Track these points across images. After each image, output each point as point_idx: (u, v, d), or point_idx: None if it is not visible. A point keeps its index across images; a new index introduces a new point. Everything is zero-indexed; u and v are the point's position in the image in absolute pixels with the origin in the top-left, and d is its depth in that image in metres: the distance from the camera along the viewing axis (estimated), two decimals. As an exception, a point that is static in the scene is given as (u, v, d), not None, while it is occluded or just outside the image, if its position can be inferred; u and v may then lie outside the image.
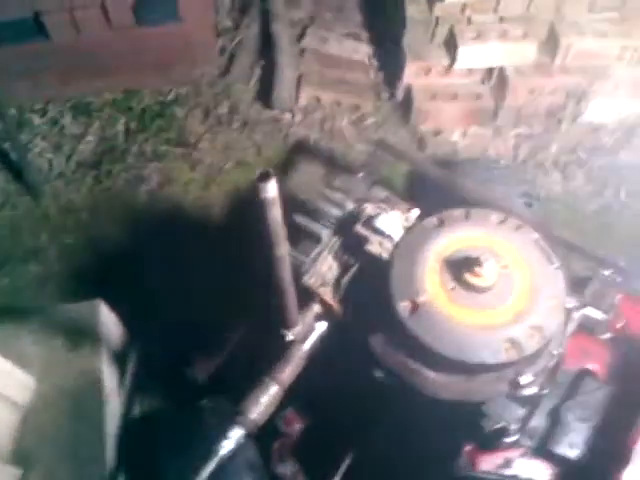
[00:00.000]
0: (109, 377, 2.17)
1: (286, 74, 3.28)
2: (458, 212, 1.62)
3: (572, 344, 1.89)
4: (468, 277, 1.46)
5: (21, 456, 1.98)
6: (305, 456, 2.03)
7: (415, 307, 1.46)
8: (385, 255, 1.58)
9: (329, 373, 1.82)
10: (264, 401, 1.59)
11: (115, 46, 3.22)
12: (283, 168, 3.11)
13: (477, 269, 1.44)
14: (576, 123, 3.09)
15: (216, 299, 2.61)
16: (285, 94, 3.25)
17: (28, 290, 2.88)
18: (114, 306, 2.43)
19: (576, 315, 1.56)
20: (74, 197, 3.13)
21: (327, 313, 1.67)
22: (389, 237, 1.60)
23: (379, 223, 1.60)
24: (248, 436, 1.91)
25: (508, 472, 1.71)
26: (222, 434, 1.56)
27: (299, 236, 1.71)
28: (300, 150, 3.18)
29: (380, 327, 1.54)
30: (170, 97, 3.38)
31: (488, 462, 1.75)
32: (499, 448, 1.74)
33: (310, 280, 1.65)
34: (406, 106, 3.15)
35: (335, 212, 1.72)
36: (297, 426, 1.93)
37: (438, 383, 1.49)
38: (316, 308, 1.66)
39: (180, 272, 2.78)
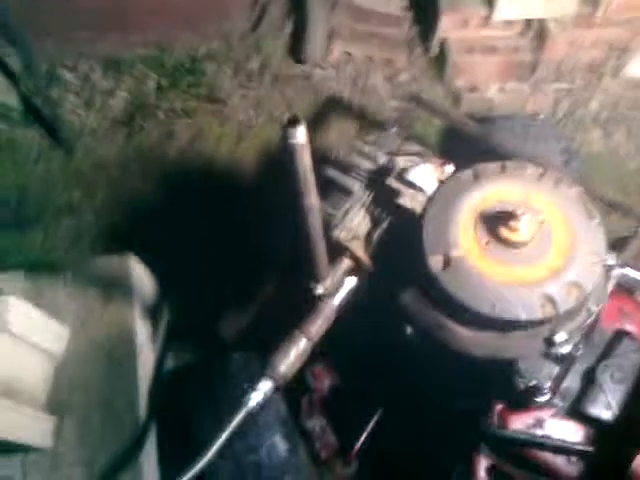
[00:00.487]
0: (141, 329, 2.20)
1: (318, 28, 3.20)
2: (494, 165, 1.57)
3: (610, 304, 1.85)
4: (503, 231, 1.41)
5: (56, 405, 2.03)
6: (334, 413, 2.04)
7: (448, 262, 1.43)
8: (418, 209, 1.55)
9: (359, 329, 1.81)
10: (293, 354, 1.58)
11: (146, 0, 3.18)
12: (314, 124, 3.06)
13: (513, 223, 1.39)
14: (618, 78, 2.97)
15: (247, 254, 2.61)
16: (316, 49, 3.18)
17: (62, 244, 2.92)
18: (146, 260, 2.46)
19: (615, 273, 1.51)
20: (105, 153, 3.14)
21: (357, 268, 1.65)
22: (422, 190, 1.56)
23: (411, 176, 1.56)
24: (277, 390, 1.93)
25: (539, 432, 1.70)
26: (251, 386, 1.56)
27: (330, 189, 1.68)
28: (332, 106, 3.12)
29: (411, 282, 1.52)
30: (201, 52, 3.34)
31: (519, 421, 1.73)
32: (531, 408, 1.73)
33: (340, 234, 1.63)
34: (441, 61, 3.06)
35: (367, 165, 1.68)
36: (326, 381, 1.94)
37: (470, 340, 1.46)
38: (346, 262, 1.64)
39: (211, 227, 2.79)
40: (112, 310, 2.18)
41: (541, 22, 2.86)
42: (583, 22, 2.83)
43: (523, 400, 1.63)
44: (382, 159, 1.68)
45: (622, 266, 1.93)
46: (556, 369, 1.45)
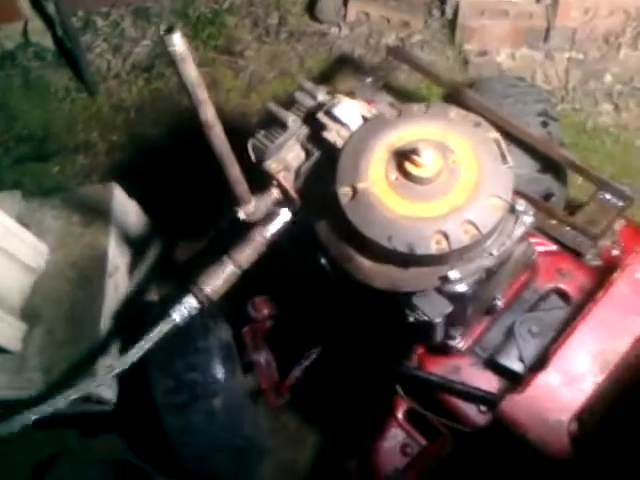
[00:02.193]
0: (116, 254, 2.34)
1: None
2: (418, 106, 1.58)
3: (548, 262, 1.84)
4: (408, 166, 1.43)
5: (28, 314, 2.21)
6: (276, 344, 2.12)
7: (355, 193, 1.47)
8: (340, 143, 1.58)
9: (292, 262, 1.87)
10: (219, 277, 1.65)
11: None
12: (324, 80, 3.10)
13: (416, 158, 1.41)
14: (637, 50, 2.85)
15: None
16: (333, 7, 3.21)
17: (75, 179, 3.11)
18: (150, 199, 2.60)
19: (527, 220, 1.49)
20: (126, 97, 3.30)
21: (286, 200, 1.70)
22: (346, 126, 1.59)
23: (337, 111, 1.60)
24: (221, 317, 2.02)
25: (454, 378, 1.72)
26: (175, 300, 1.66)
27: (268, 122, 1.74)
28: (343, 64, 3.15)
29: (326, 214, 1.56)
30: (225, 6, 3.43)
31: (437, 366, 1.76)
32: (450, 355, 1.75)
33: (271, 165, 1.69)
34: (454, 24, 3.03)
35: (307, 101, 1.72)
36: (266, 312, 2.01)
37: (371, 271, 1.49)
38: (275, 193, 1.70)
39: (215, 174, 2.89)
40: (90, 233, 2.33)
41: (557, -13, 2.78)
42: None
43: (434, 342, 1.66)
44: (321, 96, 1.72)
45: (571, 224, 1.91)
46: (449, 308, 1.46)
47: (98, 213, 2.37)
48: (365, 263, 1.51)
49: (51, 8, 3.35)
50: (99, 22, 3.51)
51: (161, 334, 1.63)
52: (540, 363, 1.60)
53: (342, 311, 1.83)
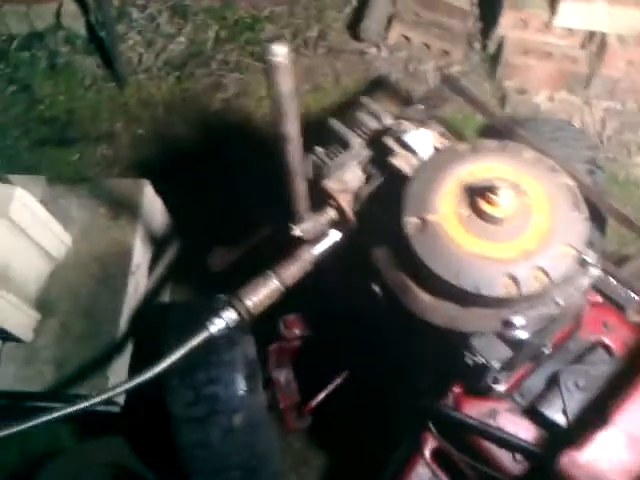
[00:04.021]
0: (140, 252, 2.27)
1: (380, 8, 3.22)
2: (493, 143, 1.55)
3: (594, 315, 1.80)
4: (483, 204, 1.40)
5: (44, 303, 2.13)
6: (301, 365, 2.06)
7: (423, 225, 1.43)
8: (409, 171, 1.55)
9: (337, 286, 1.82)
10: (261, 292, 1.60)
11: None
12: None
13: (492, 197, 1.38)
14: (674, 107, 2.87)
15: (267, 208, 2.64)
16: (375, 28, 3.19)
17: (94, 168, 3.04)
18: (168, 196, 2.54)
19: (595, 272, 1.47)
20: (155, 92, 3.24)
21: (341, 221, 1.66)
22: (416, 153, 1.56)
23: (408, 138, 1.56)
24: (242, 322, 1.95)
25: (491, 422, 1.68)
26: (215, 312, 1.60)
27: (330, 139, 1.70)
28: (379, 86, 3.13)
29: (386, 241, 1.52)
30: (264, 13, 3.40)
31: (473, 408, 1.71)
32: (488, 397, 1.71)
33: (330, 184, 1.64)
34: (496, 60, 3.03)
35: (371, 123, 1.69)
36: (297, 331, 1.95)
37: (430, 306, 1.45)
38: (331, 213, 1.65)
39: (238, 180, 2.84)
40: (116, 228, 2.26)
41: (603, 36, 2.79)
42: (647, 43, 2.74)
43: (475, 382, 1.61)
44: (387, 120, 1.68)
45: (617, 279, 1.89)
46: (509, 353, 1.42)
47: (126, 208, 2.30)
48: (424, 297, 1.47)
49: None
50: (135, 14, 3.45)
51: (195, 346, 1.57)
52: (585, 418, 1.57)
53: (383, 339, 1.78)
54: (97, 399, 1.42)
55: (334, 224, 1.67)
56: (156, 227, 2.42)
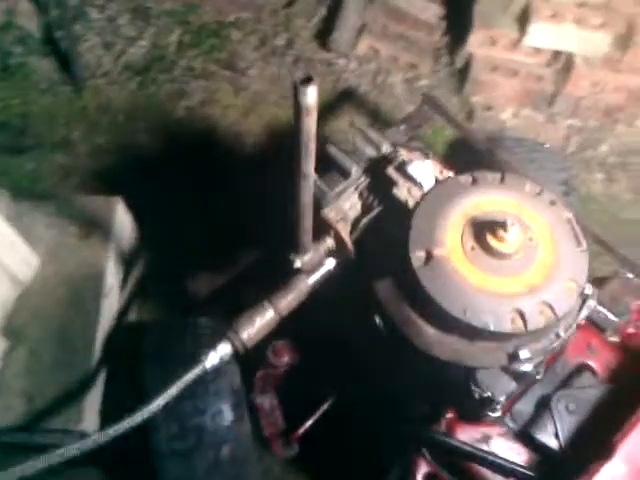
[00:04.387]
0: (113, 273, 2.18)
1: (350, 19, 3.19)
2: (494, 175, 1.56)
3: (579, 337, 1.84)
4: (490, 240, 1.40)
5: (11, 330, 2.00)
6: (286, 392, 2.02)
7: (429, 258, 1.42)
8: (410, 202, 1.53)
9: (328, 313, 1.80)
10: (257, 324, 1.56)
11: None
12: (326, 111, 3.05)
13: (501, 233, 1.38)
14: (632, 127, 2.98)
15: (234, 222, 2.58)
16: (344, 39, 3.17)
17: (51, 178, 2.89)
18: (132, 208, 2.43)
19: (590, 305, 1.50)
20: (115, 98, 3.11)
21: (339, 250, 1.63)
22: (419, 185, 1.55)
23: (411, 169, 1.55)
24: (235, 360, 1.90)
25: (484, 447, 1.69)
26: (210, 346, 1.54)
27: (328, 168, 1.66)
28: (347, 97, 3.12)
29: (389, 273, 1.50)
30: (230, 19, 3.32)
31: (466, 433, 1.72)
32: (481, 422, 1.72)
33: (330, 213, 1.61)
34: (463, 75, 3.06)
35: (370, 151, 1.67)
36: (285, 359, 1.91)
37: (435, 340, 1.44)
38: (329, 243, 1.62)
39: (201, 190, 2.77)
40: (87, 248, 2.15)
41: (569, 56, 2.86)
42: (611, 65, 2.83)
43: (475, 412, 1.62)
44: (386, 148, 1.67)
45: (597, 301, 1.94)
46: (512, 385, 1.43)
47: (97, 227, 2.20)
48: (428, 330, 1.46)
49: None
50: (93, 14, 3.31)
51: (188, 381, 1.51)
52: (577, 442, 1.61)
53: (376, 367, 1.76)
54: (80, 446, 1.31)
55: (332, 253, 1.64)
56: (127, 245, 2.32)
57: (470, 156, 2.25)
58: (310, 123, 1.14)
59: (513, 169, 1.97)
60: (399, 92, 3.14)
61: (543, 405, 1.71)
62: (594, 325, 1.94)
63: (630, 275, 2.00)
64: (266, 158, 2.88)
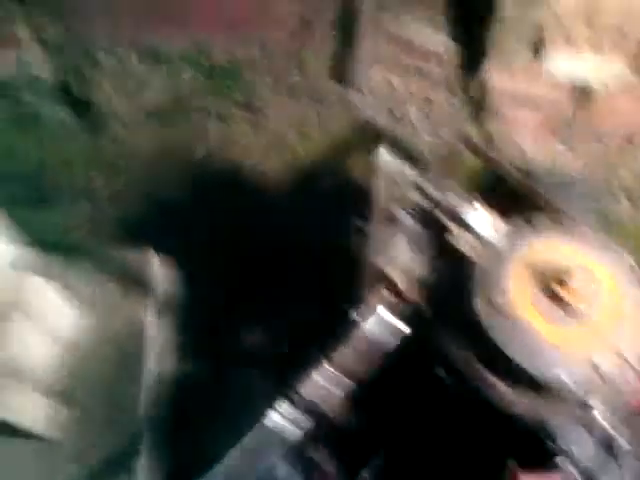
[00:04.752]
0: (154, 328, 2.15)
1: (363, 53, 3.21)
2: (551, 219, 1.56)
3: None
4: (557, 288, 1.40)
5: (58, 391, 1.97)
6: (339, 442, 1.99)
7: (495, 309, 1.41)
8: (468, 250, 1.53)
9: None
10: (319, 382, 1.55)
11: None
12: (345, 145, 3.06)
13: (568, 282, 1.38)
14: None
15: (263, 266, 2.57)
16: (358, 73, 3.18)
17: (78, 229, 2.85)
18: (163, 256, 2.41)
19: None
20: (131, 142, 3.10)
21: (395, 300, 1.62)
22: (476, 233, 1.54)
23: (470, 219, 1.55)
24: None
25: (551, 496, 1.67)
26: (272, 406, 1.53)
27: (377, 215, 1.67)
28: (365, 131, 3.12)
29: (452, 323, 1.50)
30: (243, 57, 3.31)
31: (531, 481, 1.70)
32: (545, 469, 1.70)
33: (382, 262, 1.61)
34: (479, 104, 3.07)
35: (421, 200, 1.67)
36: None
37: (507, 394, 1.44)
38: (384, 293, 1.62)
39: (228, 233, 2.75)
40: (127, 304, 2.13)
41: (587, 84, 2.88)
42: (629, 92, 2.85)
43: (541, 462, 1.61)
44: (437, 196, 1.67)
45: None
46: (587, 437, 1.43)
47: (136, 282, 2.18)
48: (499, 384, 1.45)
49: (53, 37, 3.13)
50: (105, 59, 3.28)
51: (254, 443, 1.50)
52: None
53: (439, 423, 1.74)
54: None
55: (387, 303, 1.63)
56: (165, 298, 2.30)
57: (506, 194, 2.25)
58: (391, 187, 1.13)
59: (560, 210, 1.97)
60: (417, 124, 3.15)
61: (611, 454, 1.70)
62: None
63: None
64: (293, 199, 2.87)
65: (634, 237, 2.89)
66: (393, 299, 1.63)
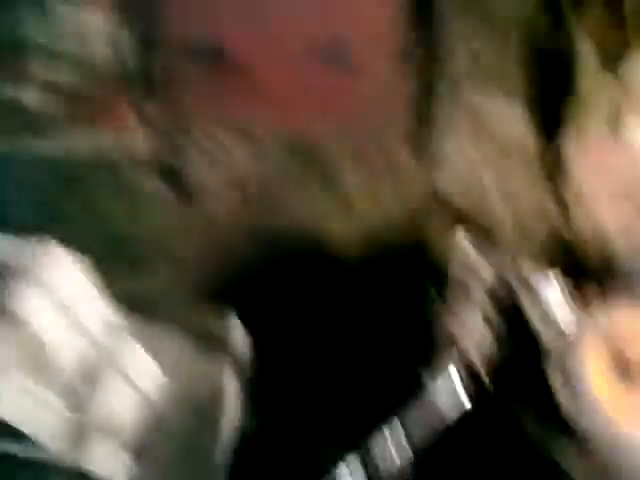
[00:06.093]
0: (231, 389, 2.24)
1: (439, 126, 3.30)
2: (624, 296, 1.55)
3: None
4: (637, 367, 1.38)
5: (141, 449, 2.06)
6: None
7: (576, 393, 1.40)
8: (542, 328, 1.54)
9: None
10: (389, 449, 1.57)
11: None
12: (423, 222, 3.12)
13: (647, 361, 1.36)
14: None
15: (340, 331, 2.62)
16: (435, 146, 3.27)
17: (164, 293, 3.01)
18: (240, 320, 2.52)
19: None
20: (221, 213, 3.28)
21: (466, 369, 1.63)
22: (551, 311, 1.55)
23: (541, 295, 1.56)
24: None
25: None
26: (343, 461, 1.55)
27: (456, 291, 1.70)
28: (444, 208, 3.17)
29: (531, 403, 1.49)
30: (321, 131, 3.46)
31: None
32: None
33: (454, 329, 1.63)
34: (556, 176, 3.07)
35: (493, 274, 1.69)
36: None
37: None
38: (454, 358, 1.63)
39: (306, 300, 2.83)
40: (207, 365, 2.24)
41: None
42: None
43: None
44: (509, 271, 1.69)
45: None
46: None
47: (215, 344, 2.29)
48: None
49: (151, 114, 3.40)
50: (202, 137, 3.53)
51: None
52: None
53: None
54: None
55: (458, 374, 1.65)
56: (242, 359, 2.39)
57: (581, 266, 2.23)
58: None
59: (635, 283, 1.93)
60: (493, 197, 3.18)
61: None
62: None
63: None
64: (369, 269, 2.94)
65: None
66: (463, 371, 1.65)
